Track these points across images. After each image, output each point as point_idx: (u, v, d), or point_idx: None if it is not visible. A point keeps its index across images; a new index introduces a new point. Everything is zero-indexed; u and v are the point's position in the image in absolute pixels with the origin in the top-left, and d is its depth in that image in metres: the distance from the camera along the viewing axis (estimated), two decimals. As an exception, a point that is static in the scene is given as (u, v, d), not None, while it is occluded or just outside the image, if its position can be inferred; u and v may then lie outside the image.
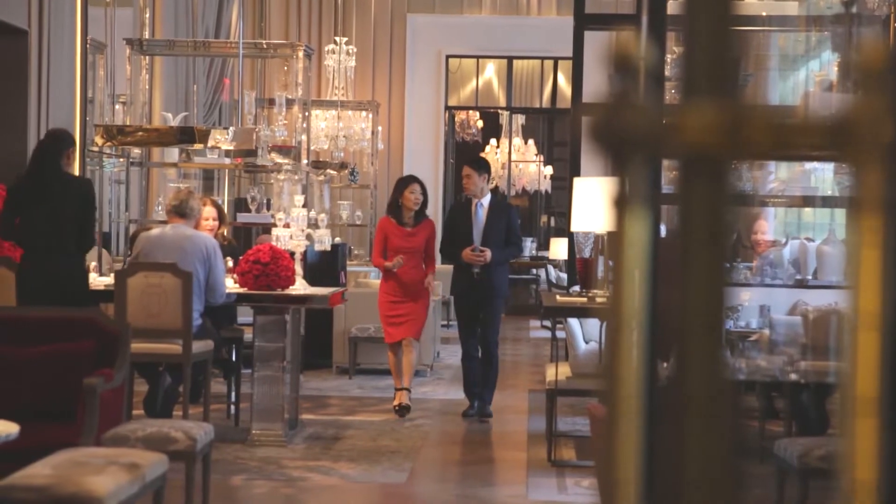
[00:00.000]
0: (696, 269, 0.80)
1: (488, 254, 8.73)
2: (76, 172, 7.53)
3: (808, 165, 9.30)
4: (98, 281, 7.96)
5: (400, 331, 8.94)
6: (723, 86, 0.81)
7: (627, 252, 0.82)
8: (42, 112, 9.52)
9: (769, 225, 9.61)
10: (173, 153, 11.12)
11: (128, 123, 10.00)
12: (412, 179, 9.14)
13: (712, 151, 0.80)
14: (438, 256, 9.50)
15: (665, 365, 0.84)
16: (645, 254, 0.83)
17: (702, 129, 0.80)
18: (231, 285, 7.81)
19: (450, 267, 9.39)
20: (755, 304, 7.69)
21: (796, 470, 5.31)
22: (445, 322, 14.40)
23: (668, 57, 8.03)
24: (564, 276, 13.38)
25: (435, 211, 14.96)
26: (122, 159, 10.99)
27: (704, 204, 0.80)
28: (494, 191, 17.61)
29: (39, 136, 9.48)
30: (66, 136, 7.58)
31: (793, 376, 6.45)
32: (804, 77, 11.91)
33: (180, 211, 7.56)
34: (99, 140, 9.65)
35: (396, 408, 8.87)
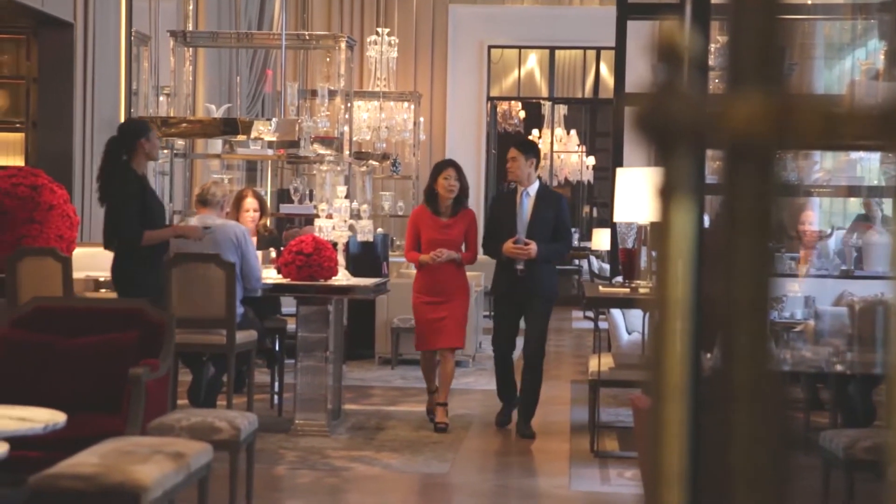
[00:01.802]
0: (742, 260, 0.80)
1: (533, 247, 7.66)
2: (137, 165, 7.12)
3: (854, 155, 9.21)
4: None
5: (440, 339, 7.92)
6: (768, 75, 0.81)
7: (672, 242, 0.82)
8: (87, 104, 9.61)
9: (815, 215, 9.52)
10: (217, 144, 11.20)
11: (172, 115, 10.07)
12: (447, 164, 8.20)
13: (758, 141, 0.79)
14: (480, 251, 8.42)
15: (709, 356, 0.84)
16: (690, 244, 0.82)
17: (748, 119, 0.79)
18: (274, 276, 7.85)
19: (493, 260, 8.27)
20: (800, 295, 7.63)
21: (842, 462, 5.27)
22: (488, 312, 14.39)
23: (712, 46, 7.98)
24: (607, 266, 13.35)
25: (476, 203, 14.94)
26: (166, 151, 11.07)
27: (750, 194, 0.80)
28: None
29: (85, 128, 9.57)
30: (122, 132, 7.26)
31: (838, 367, 6.40)
32: (850, 66, 11.78)
33: (202, 199, 7.55)
34: (143, 132, 9.70)
35: (437, 424, 7.97)
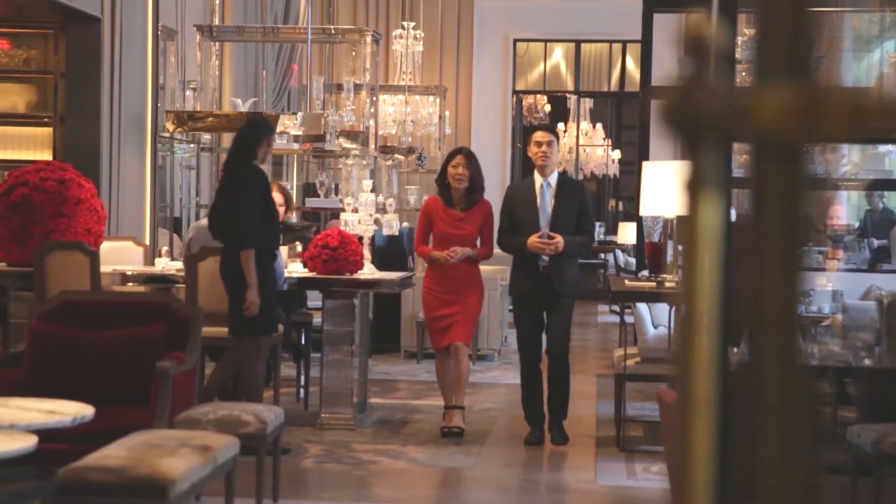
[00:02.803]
0: (770, 254, 0.79)
1: (560, 241, 7.15)
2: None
3: (882, 148, 9.16)
4: (169, 266, 8.06)
5: (448, 335, 7.46)
6: (797, 67, 0.80)
7: (700, 236, 0.81)
8: (114, 98, 9.65)
9: (842, 209, 9.46)
10: (243, 139, 11.19)
11: (198, 109, 10.10)
12: (457, 151, 7.67)
13: (786, 134, 0.79)
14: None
15: (735, 350, 0.84)
16: (717, 238, 0.82)
17: (776, 112, 0.79)
18: (300, 270, 7.87)
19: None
20: (828, 289, 7.59)
21: (870, 456, 5.24)
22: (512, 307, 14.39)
23: (738, 39, 7.94)
24: (633, 260, 13.31)
25: (499, 197, 14.91)
26: (192, 145, 11.12)
27: (779, 187, 0.79)
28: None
29: (112, 123, 9.62)
30: (253, 126, 7.14)
31: (866, 362, 6.36)
32: (878, 58, 11.70)
33: None
34: (170, 126, 9.76)
35: (446, 430, 7.45)
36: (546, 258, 7.20)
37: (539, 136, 7.34)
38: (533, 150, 7.34)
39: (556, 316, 7.27)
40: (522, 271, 7.31)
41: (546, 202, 7.25)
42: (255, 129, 6.98)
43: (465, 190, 7.44)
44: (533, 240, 7.18)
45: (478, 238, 7.51)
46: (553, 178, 7.33)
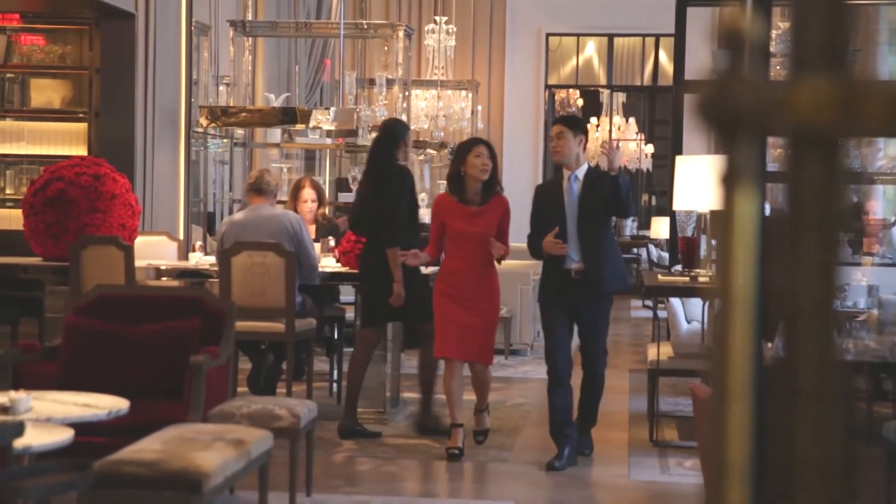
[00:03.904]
0: (807, 249, 0.79)
1: (617, 157, 6.61)
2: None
3: (919, 142, 9.08)
4: (203, 260, 8.10)
5: (469, 349, 6.75)
6: (833, 61, 0.80)
7: (735, 231, 0.81)
8: (149, 94, 9.71)
9: (878, 203, 9.39)
10: (276, 134, 11.26)
11: (231, 104, 10.15)
12: (476, 141, 7.06)
13: (822, 128, 0.79)
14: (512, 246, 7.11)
15: (769, 345, 0.83)
16: (753, 232, 0.81)
17: (812, 106, 0.78)
18: (333, 265, 7.88)
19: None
20: (864, 284, 7.53)
21: (905, 453, 5.20)
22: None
23: (773, 32, 7.89)
24: (666, 255, 13.26)
25: (531, 194, 14.87)
26: (225, 140, 11.17)
27: (814, 182, 0.79)
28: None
29: (146, 118, 9.69)
30: (391, 129, 7.36)
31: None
32: (915, 51, 11.60)
33: (258, 188, 7.51)
34: (203, 121, 9.81)
35: (454, 452, 6.73)
36: (575, 263, 6.53)
37: (553, 129, 6.83)
38: (552, 144, 6.84)
39: (589, 321, 6.61)
40: (551, 275, 6.65)
41: (573, 197, 6.58)
42: (390, 133, 7.28)
43: (484, 184, 6.76)
44: (548, 240, 6.49)
45: (494, 235, 6.76)
46: (581, 172, 6.63)
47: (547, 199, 6.71)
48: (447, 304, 6.73)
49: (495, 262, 6.83)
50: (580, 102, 19.91)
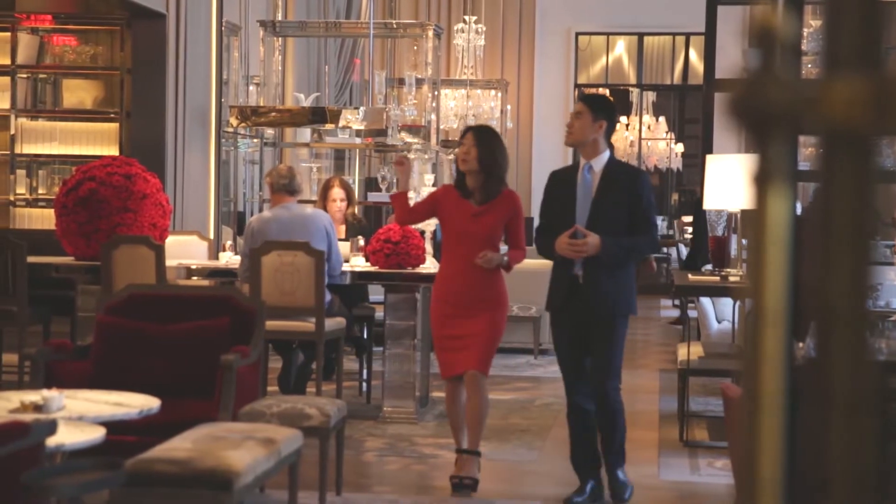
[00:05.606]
0: (839, 249, 0.78)
1: (593, 241, 5.47)
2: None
3: (952, 140, 9.00)
4: (233, 260, 8.13)
5: (459, 359, 5.95)
6: (866, 59, 0.79)
7: (767, 230, 0.81)
8: (179, 94, 9.76)
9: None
10: (305, 133, 11.29)
11: (261, 104, 10.18)
12: (466, 129, 6.16)
13: (856, 127, 0.78)
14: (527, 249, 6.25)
15: (801, 345, 0.83)
16: (785, 232, 0.81)
17: (845, 105, 0.78)
18: (362, 264, 7.90)
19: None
20: None
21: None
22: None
23: (805, 31, 7.84)
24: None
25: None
26: (255, 140, 11.21)
27: (847, 181, 0.78)
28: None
29: (177, 118, 9.73)
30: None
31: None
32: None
33: (290, 188, 7.47)
34: (233, 121, 9.84)
35: (455, 481, 5.99)
36: (580, 265, 5.58)
37: (575, 106, 5.97)
38: (567, 124, 5.89)
39: (597, 341, 5.62)
40: (555, 280, 5.74)
41: (587, 189, 5.61)
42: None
43: (482, 179, 5.90)
44: (562, 240, 5.53)
45: (501, 238, 6.05)
46: (599, 162, 5.63)
47: (559, 189, 5.74)
48: (445, 315, 5.98)
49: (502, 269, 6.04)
50: (610, 101, 19.86)
